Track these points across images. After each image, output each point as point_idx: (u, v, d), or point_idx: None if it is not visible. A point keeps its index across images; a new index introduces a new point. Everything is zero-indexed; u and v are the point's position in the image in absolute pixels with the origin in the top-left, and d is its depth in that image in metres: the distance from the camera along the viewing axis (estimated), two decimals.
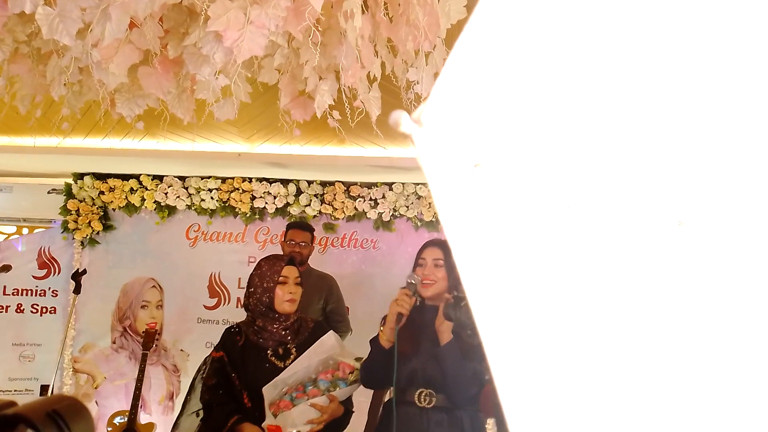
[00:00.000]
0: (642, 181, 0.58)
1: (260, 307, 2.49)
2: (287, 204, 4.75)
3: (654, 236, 0.57)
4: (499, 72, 0.60)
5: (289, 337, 2.51)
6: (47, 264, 4.79)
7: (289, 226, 4.02)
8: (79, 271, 4.18)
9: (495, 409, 1.56)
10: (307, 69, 1.78)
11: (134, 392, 3.60)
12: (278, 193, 4.74)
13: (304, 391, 2.36)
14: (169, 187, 4.81)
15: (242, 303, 4.69)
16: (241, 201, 4.77)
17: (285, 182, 4.75)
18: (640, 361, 0.56)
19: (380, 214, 4.67)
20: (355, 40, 1.60)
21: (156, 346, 3.85)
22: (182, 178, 4.82)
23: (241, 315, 2.71)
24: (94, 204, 4.84)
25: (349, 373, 2.44)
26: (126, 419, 3.65)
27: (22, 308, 4.70)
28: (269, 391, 2.33)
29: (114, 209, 4.89)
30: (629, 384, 0.56)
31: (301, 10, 1.52)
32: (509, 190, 0.59)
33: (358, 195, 4.69)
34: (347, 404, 2.46)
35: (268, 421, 2.31)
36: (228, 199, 4.78)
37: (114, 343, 4.19)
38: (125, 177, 4.83)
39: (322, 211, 4.72)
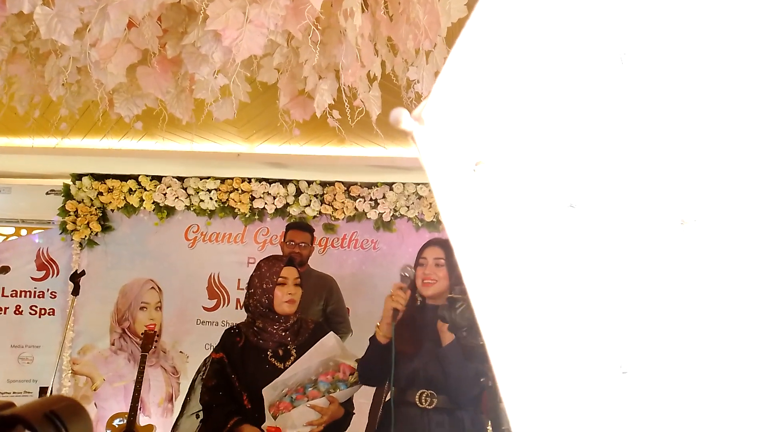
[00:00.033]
0: (645, 180, 0.58)
1: (260, 308, 2.49)
2: (287, 204, 4.75)
3: (656, 235, 0.57)
4: (501, 69, 0.59)
5: (289, 339, 2.50)
6: (46, 265, 4.78)
7: (288, 227, 4.01)
8: (78, 272, 4.18)
9: (491, 411, 1.56)
10: (306, 68, 1.77)
11: (133, 394, 3.60)
12: (278, 193, 4.74)
13: (304, 392, 2.36)
14: (167, 187, 4.80)
15: (242, 304, 4.71)
16: (240, 201, 4.76)
17: (284, 182, 4.75)
18: (643, 360, 0.56)
19: (381, 214, 4.67)
20: (355, 39, 1.60)
21: (155, 347, 3.86)
22: (181, 179, 4.82)
23: (240, 316, 2.70)
24: (92, 205, 4.83)
25: (350, 374, 2.44)
26: (125, 421, 3.65)
27: (20, 310, 4.69)
28: (269, 393, 2.32)
29: (113, 210, 4.88)
30: (632, 382, 0.56)
31: (300, 8, 1.52)
32: (511, 189, 0.59)
33: (359, 195, 4.68)
34: (348, 406, 2.46)
35: (268, 422, 2.31)
36: (227, 199, 4.78)
37: (113, 344, 4.20)
38: (124, 178, 4.83)
39: (322, 211, 4.72)
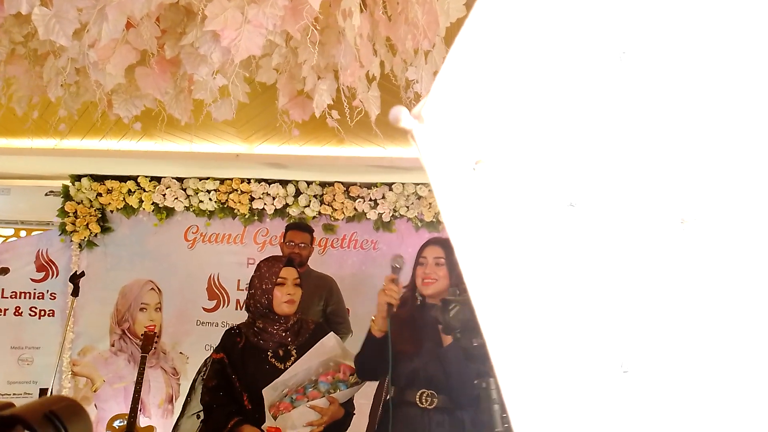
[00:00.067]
0: (645, 179, 0.58)
1: (260, 308, 2.49)
2: (286, 205, 4.75)
3: (656, 234, 0.57)
4: (501, 68, 0.59)
5: (289, 339, 2.50)
6: (45, 267, 4.78)
7: (288, 227, 4.01)
8: (78, 273, 4.18)
9: (485, 413, 1.56)
10: (305, 68, 1.77)
11: (133, 395, 3.59)
12: (277, 194, 4.73)
13: (305, 392, 2.36)
14: (167, 188, 4.80)
15: (242, 305, 4.70)
16: (239, 202, 4.76)
17: (284, 183, 4.75)
18: (643, 359, 0.56)
19: (380, 214, 4.67)
20: (354, 39, 1.59)
21: (155, 348, 3.86)
22: (180, 180, 4.82)
23: (240, 317, 2.70)
24: (91, 206, 4.83)
25: (350, 375, 2.43)
26: (125, 422, 3.65)
27: (20, 311, 4.69)
28: (269, 393, 2.32)
29: (112, 211, 4.88)
30: (633, 381, 0.56)
31: (299, 9, 1.52)
32: (511, 187, 0.58)
33: (358, 195, 4.68)
34: (348, 406, 2.45)
35: (268, 423, 2.30)
36: (226, 200, 4.78)
37: (113, 345, 4.20)
38: (123, 178, 4.82)
39: (322, 211, 4.72)
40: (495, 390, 1.56)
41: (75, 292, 4.07)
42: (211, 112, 1.95)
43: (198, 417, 2.78)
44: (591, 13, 0.59)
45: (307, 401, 2.32)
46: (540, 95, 0.59)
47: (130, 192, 4.82)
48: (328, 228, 4.75)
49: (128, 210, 4.84)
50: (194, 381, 3.15)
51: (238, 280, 4.74)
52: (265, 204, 4.74)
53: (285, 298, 2.47)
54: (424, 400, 2.16)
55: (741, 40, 0.56)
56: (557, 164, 0.59)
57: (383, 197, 4.66)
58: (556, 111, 0.59)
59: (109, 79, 1.69)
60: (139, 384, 3.60)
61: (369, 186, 4.70)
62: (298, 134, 2.22)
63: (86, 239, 4.80)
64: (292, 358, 2.45)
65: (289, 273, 2.51)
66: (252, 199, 4.77)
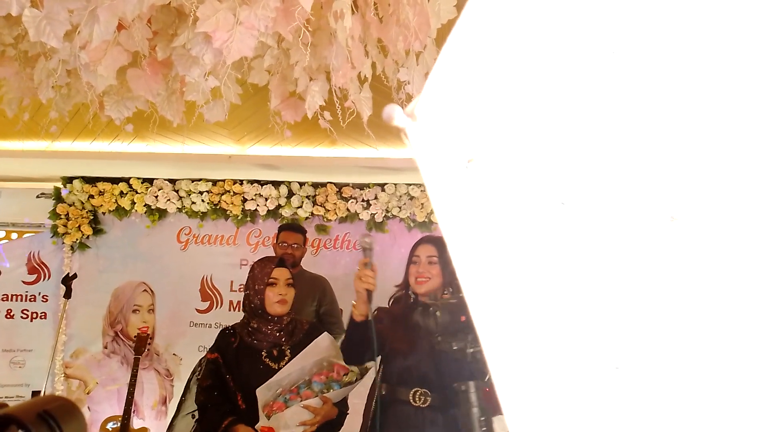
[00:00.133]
0: (635, 177, 0.58)
1: (254, 308, 2.50)
2: (279, 206, 4.74)
3: (646, 232, 0.57)
4: (492, 67, 0.60)
5: (283, 339, 2.51)
6: (37, 269, 4.76)
7: (281, 228, 4.01)
8: (70, 275, 4.16)
9: (464, 416, 1.57)
10: (297, 70, 1.77)
11: (127, 397, 3.58)
12: (270, 195, 4.73)
13: (298, 392, 2.36)
14: (159, 190, 4.79)
15: (235, 306, 4.70)
16: (232, 203, 4.75)
17: (276, 184, 4.74)
18: (635, 356, 0.56)
19: (373, 215, 4.67)
20: (346, 41, 1.60)
21: (148, 350, 3.83)
22: (172, 181, 4.80)
23: (233, 318, 2.70)
24: (83, 208, 4.81)
25: (344, 374, 2.44)
26: (119, 424, 3.63)
27: (12, 314, 4.66)
28: (263, 393, 2.32)
29: (104, 213, 4.86)
30: (625, 379, 0.56)
31: (290, 10, 1.52)
32: (503, 186, 0.59)
33: (351, 196, 4.68)
34: (342, 406, 2.46)
35: (262, 422, 2.31)
36: (219, 201, 4.77)
37: (105, 347, 4.17)
38: (115, 180, 4.81)
39: (315, 212, 4.72)
40: (474, 393, 1.57)
41: (67, 295, 4.05)
42: (203, 114, 1.95)
43: (193, 416, 2.78)
44: (580, 13, 0.59)
45: (301, 401, 2.32)
46: (531, 94, 0.60)
47: (122, 194, 4.80)
48: (321, 229, 4.74)
49: (120, 212, 4.82)
50: (189, 381, 3.15)
51: (231, 281, 4.73)
52: (257, 205, 4.74)
53: (277, 299, 2.47)
54: (417, 399, 2.17)
55: (731, 39, 0.57)
56: (548, 163, 0.59)
57: (376, 198, 4.66)
58: (547, 110, 0.60)
59: (101, 80, 1.68)
60: (132, 386, 3.59)
61: (361, 187, 4.70)
62: (290, 135, 2.22)
63: (78, 241, 4.78)
64: (286, 358, 2.45)
65: (280, 273, 2.52)
66: (245, 200, 4.76)
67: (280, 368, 2.40)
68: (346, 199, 4.69)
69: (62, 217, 4.77)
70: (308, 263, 4.17)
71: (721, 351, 0.56)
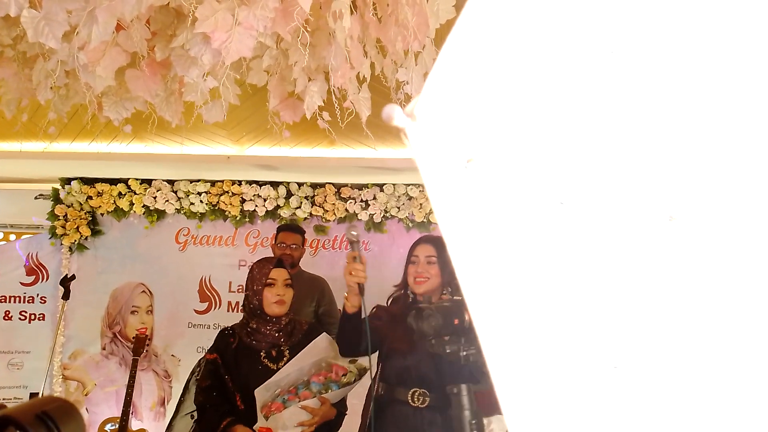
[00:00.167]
0: (633, 176, 0.58)
1: (253, 309, 2.50)
2: (277, 207, 4.74)
3: (645, 232, 0.57)
4: (492, 67, 0.60)
5: (282, 339, 2.51)
6: (35, 270, 4.75)
7: (279, 229, 4.01)
8: (68, 276, 4.16)
9: (455, 419, 1.56)
10: (296, 70, 1.77)
11: (125, 398, 3.58)
12: (268, 195, 4.73)
13: (296, 393, 2.36)
14: (157, 191, 4.79)
15: (233, 307, 4.69)
16: (230, 204, 4.75)
17: (275, 185, 4.74)
18: (634, 356, 0.57)
19: (371, 215, 4.67)
20: (344, 41, 1.60)
21: (146, 351, 3.84)
22: (171, 182, 4.80)
23: (231, 319, 2.70)
24: (82, 209, 4.80)
25: (342, 375, 2.44)
26: (117, 426, 3.63)
27: (10, 315, 4.66)
28: (261, 394, 2.32)
29: (102, 214, 4.86)
30: (623, 378, 0.56)
31: (289, 10, 1.52)
32: (502, 186, 0.59)
33: (349, 197, 4.68)
34: (340, 406, 2.46)
35: (260, 423, 2.31)
36: (217, 202, 4.77)
37: (104, 349, 4.18)
38: (113, 181, 4.80)
39: (313, 213, 4.72)
40: (466, 396, 1.56)
41: (65, 296, 4.05)
42: (201, 115, 1.95)
43: (191, 417, 2.78)
44: (579, 12, 0.59)
45: (299, 401, 2.32)
46: (530, 94, 0.60)
47: (120, 195, 4.80)
48: (320, 229, 4.74)
49: (119, 213, 4.82)
50: (188, 381, 3.14)
51: (230, 282, 4.73)
52: (256, 206, 4.74)
53: (275, 299, 2.47)
54: (416, 399, 2.17)
55: (729, 39, 0.57)
56: (547, 163, 0.59)
57: (374, 198, 4.67)
58: (546, 110, 0.60)
59: (99, 81, 1.68)
60: (130, 387, 3.59)
61: (360, 187, 4.71)
62: (289, 136, 2.22)
63: (77, 242, 4.77)
64: (285, 359, 2.45)
65: (279, 274, 2.52)
66: (243, 200, 4.76)
67: (278, 369, 2.40)
68: (345, 200, 4.69)
69: (60, 218, 4.76)
70: (307, 264, 4.17)
71: (719, 350, 0.56)
